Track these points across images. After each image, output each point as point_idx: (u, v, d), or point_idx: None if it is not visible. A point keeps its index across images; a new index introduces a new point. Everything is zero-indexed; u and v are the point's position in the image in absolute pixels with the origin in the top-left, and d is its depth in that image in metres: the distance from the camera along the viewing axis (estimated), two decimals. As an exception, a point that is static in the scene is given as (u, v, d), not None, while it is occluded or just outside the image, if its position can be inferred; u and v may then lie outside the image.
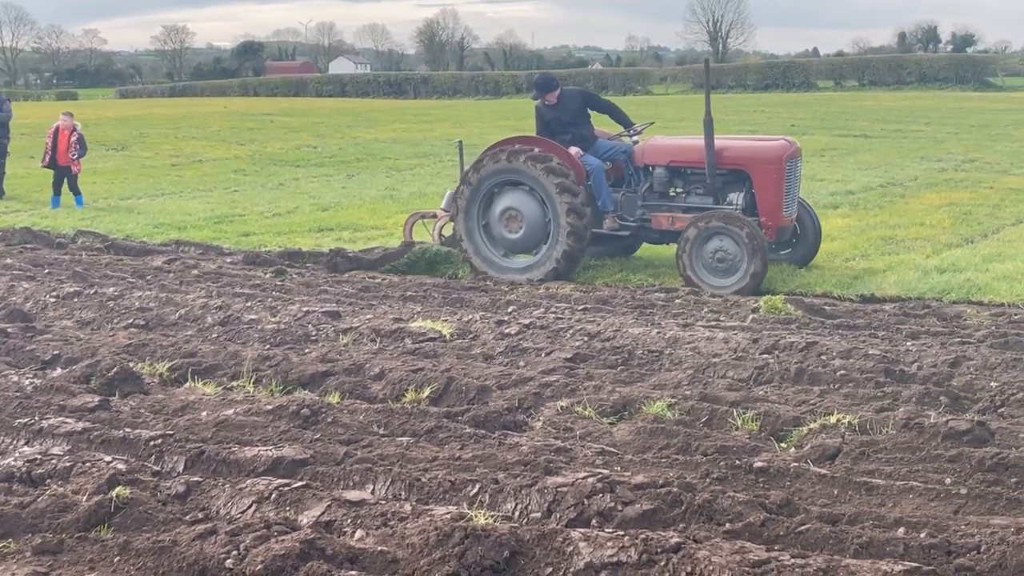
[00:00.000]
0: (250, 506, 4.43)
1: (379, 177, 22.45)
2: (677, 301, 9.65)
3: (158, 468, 4.97)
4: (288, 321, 8.29)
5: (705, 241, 10.63)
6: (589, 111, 11.94)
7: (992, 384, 6.34)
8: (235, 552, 3.84)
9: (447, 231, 12.45)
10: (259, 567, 3.72)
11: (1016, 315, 8.89)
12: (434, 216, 12.89)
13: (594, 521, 4.22)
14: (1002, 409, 5.86)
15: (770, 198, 11.02)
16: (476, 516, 4.15)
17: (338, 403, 6.03)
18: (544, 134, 11.67)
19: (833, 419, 5.52)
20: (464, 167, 12.42)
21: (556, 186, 10.95)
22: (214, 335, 8.04)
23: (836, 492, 4.59)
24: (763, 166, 11.08)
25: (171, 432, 5.36)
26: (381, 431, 5.59)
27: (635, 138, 11.83)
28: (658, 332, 7.84)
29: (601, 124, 12.32)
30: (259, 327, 8.11)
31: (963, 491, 4.46)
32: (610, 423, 5.76)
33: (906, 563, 3.63)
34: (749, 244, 10.38)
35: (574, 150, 11.32)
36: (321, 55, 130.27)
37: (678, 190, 11.62)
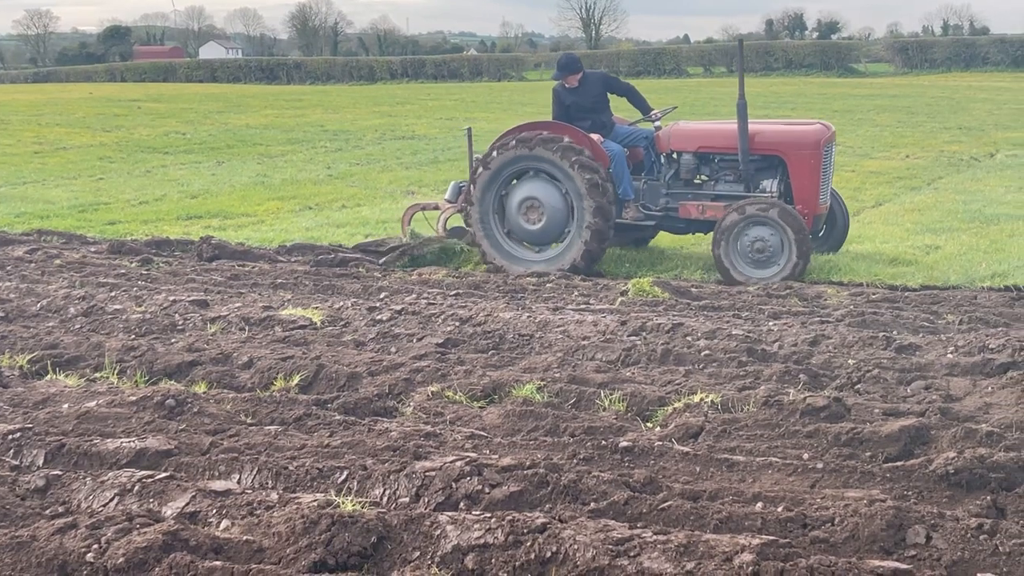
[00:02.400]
0: (112, 499, 4.35)
1: (250, 164, 22.13)
2: (548, 285, 9.74)
3: (16, 463, 4.84)
4: (154, 311, 8.14)
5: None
6: (608, 95, 11.45)
7: (849, 362, 6.55)
8: (96, 546, 3.77)
9: (452, 223, 12.04)
10: (120, 560, 3.66)
11: (873, 294, 9.19)
12: (436, 208, 12.38)
13: (462, 504, 4.25)
14: (858, 385, 6.05)
15: (808, 185, 10.57)
16: (343, 503, 4.14)
17: (204, 393, 5.94)
18: (562, 119, 11.16)
19: (697, 398, 5.63)
20: (473, 155, 11.91)
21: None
22: (77, 326, 7.84)
23: (698, 469, 4.69)
24: (800, 151, 10.63)
25: (30, 426, 5.22)
26: (248, 420, 5.53)
27: (657, 123, 11.35)
28: (529, 316, 7.90)
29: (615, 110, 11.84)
30: (124, 317, 7.93)
31: (819, 465, 4.60)
32: (480, 407, 5.79)
33: (763, 536, 3.73)
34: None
35: (595, 137, 10.89)
36: (191, 40, 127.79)
37: (705, 177, 11.15)
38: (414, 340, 7.27)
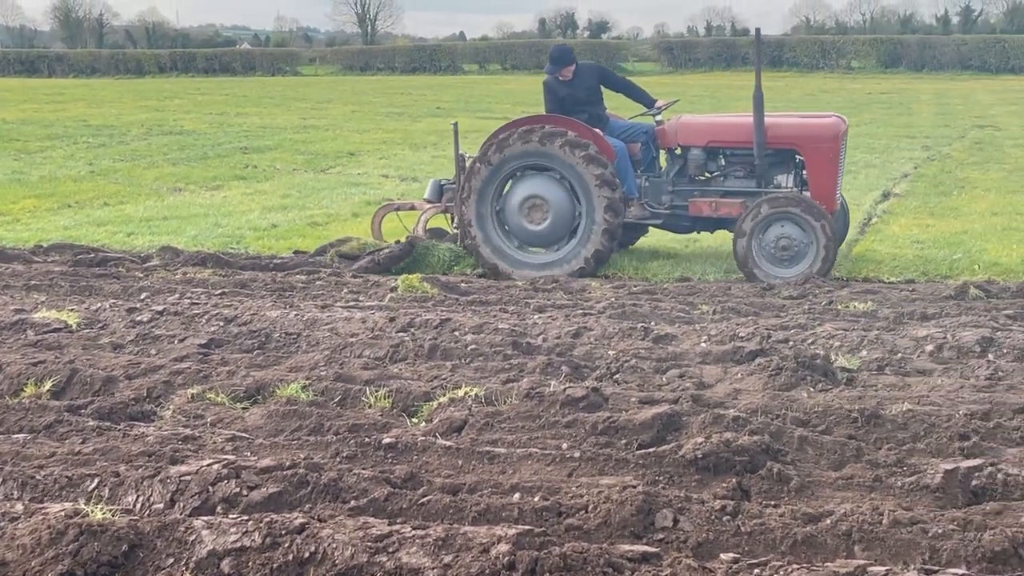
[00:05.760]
0: None
1: (6, 160, 21.02)
2: (318, 283, 9.64)
3: None
4: None
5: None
6: (603, 89, 10.95)
7: (609, 352, 6.74)
8: None
9: (434, 224, 11.45)
10: None
11: (635, 287, 9.49)
12: (411, 208, 11.71)
13: (219, 508, 4.16)
14: (617, 375, 6.23)
15: (825, 180, 10.08)
16: (93, 511, 3.99)
17: (-53, 402, 5.63)
18: (558, 112, 10.56)
19: (461, 392, 5.69)
20: (459, 152, 11.20)
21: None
22: None
23: (460, 463, 4.74)
24: (818, 145, 10.13)
25: None
26: (-5, 429, 5.27)
27: (658, 117, 10.82)
28: (296, 314, 7.81)
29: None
30: None
31: (577, 455, 4.72)
32: (243, 408, 5.69)
33: (519, 526, 3.81)
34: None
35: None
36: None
37: (714, 173, 10.64)
38: (175, 341, 7.08)
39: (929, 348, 6.82)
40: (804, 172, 10.35)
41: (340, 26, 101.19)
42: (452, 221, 11.40)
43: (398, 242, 10.99)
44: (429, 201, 11.40)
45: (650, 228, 11.24)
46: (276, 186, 17.35)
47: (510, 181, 10.51)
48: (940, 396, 5.70)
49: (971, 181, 16.82)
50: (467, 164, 10.86)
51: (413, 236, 11.08)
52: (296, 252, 11.49)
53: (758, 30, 11.37)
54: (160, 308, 8.03)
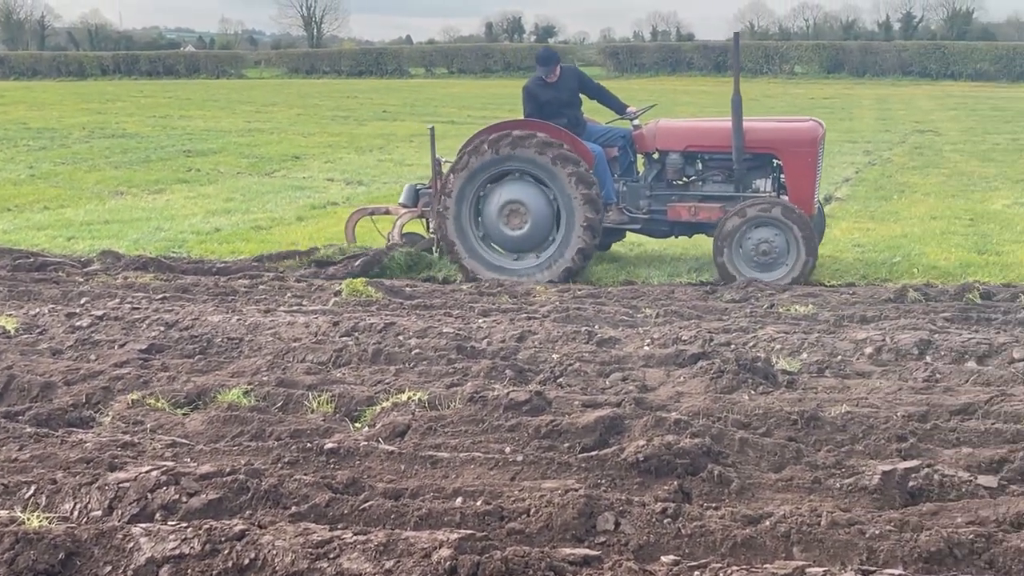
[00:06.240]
0: None
1: (-60, 164, 20.72)
2: (261, 287, 9.57)
3: None
4: None
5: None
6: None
7: (553, 356, 6.76)
8: None
9: (409, 228, 11.27)
10: None
11: (579, 291, 9.52)
12: (386, 212, 11.53)
13: (158, 515, 4.12)
14: (560, 379, 6.25)
15: (804, 184, 10.11)
16: (30, 519, 3.94)
17: None
18: (537, 116, 10.47)
19: (405, 397, 5.67)
20: (435, 156, 11.03)
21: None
22: None
23: (403, 468, 4.73)
24: (796, 149, 10.16)
25: None
26: (-72, 437, 5.17)
27: (635, 122, 10.85)
28: (239, 319, 7.76)
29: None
30: None
31: (520, 458, 4.72)
32: (183, 414, 5.63)
33: (461, 531, 3.80)
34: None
35: None
36: None
37: (692, 177, 10.62)
38: (116, 347, 7.00)
39: (868, 351, 6.91)
40: (782, 176, 10.40)
41: (286, 29, 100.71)
42: (428, 226, 11.35)
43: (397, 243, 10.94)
44: (404, 206, 11.33)
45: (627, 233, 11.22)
46: (220, 190, 17.21)
47: (489, 186, 10.43)
48: (879, 398, 5.77)
49: (911, 185, 17.05)
50: (443, 169, 10.82)
51: (390, 241, 11.02)
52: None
53: (737, 35, 11.58)
54: (100, 313, 7.94)
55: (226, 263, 10.89)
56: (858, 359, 6.79)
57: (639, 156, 10.97)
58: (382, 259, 10.64)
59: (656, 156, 10.69)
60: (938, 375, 6.35)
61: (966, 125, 28.88)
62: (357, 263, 10.48)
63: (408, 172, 19.09)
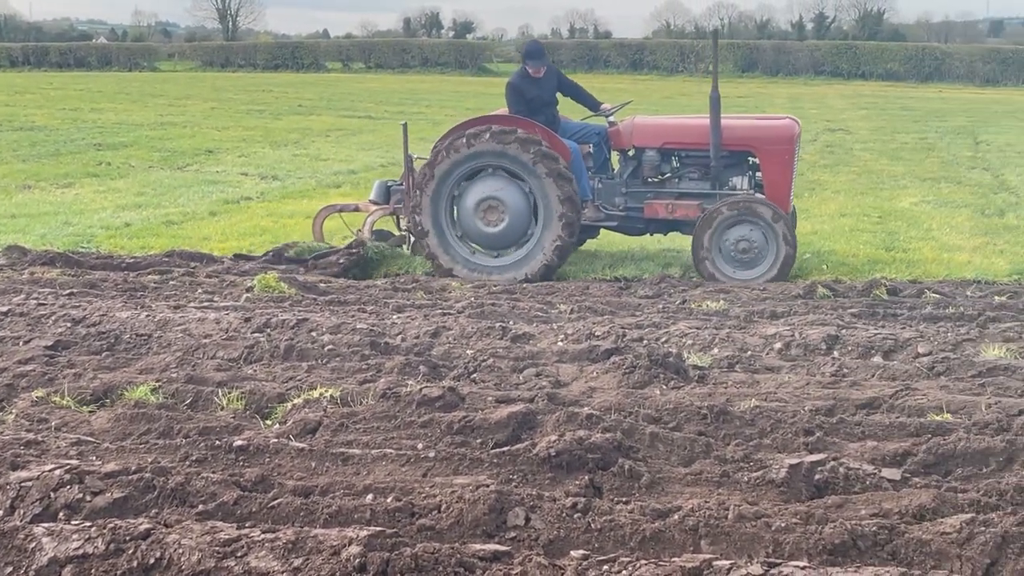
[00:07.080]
0: None
1: None
2: (171, 283, 9.42)
3: None
4: None
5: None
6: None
7: (468, 352, 6.75)
8: None
9: (380, 225, 11.03)
10: None
11: (494, 286, 9.52)
12: (355, 209, 11.25)
13: (61, 514, 4.04)
14: (474, 375, 6.25)
15: (780, 182, 10.12)
16: (-74, 521, 3.84)
17: None
18: (524, 113, 10.32)
19: (316, 393, 5.63)
20: (408, 152, 10.83)
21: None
22: None
23: (314, 465, 4.69)
24: (773, 147, 10.20)
25: None
26: None
27: (611, 118, 10.70)
28: (148, 315, 7.63)
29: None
30: None
31: (432, 455, 4.71)
32: (90, 411, 5.53)
33: (371, 528, 3.79)
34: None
35: None
36: None
37: (668, 175, 10.55)
38: (20, 343, 6.84)
39: (777, 346, 7.01)
40: (759, 174, 10.43)
41: (200, 21, 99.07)
42: (399, 223, 11.25)
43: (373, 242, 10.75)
44: (375, 203, 11.17)
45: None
46: (131, 184, 16.92)
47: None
48: (787, 393, 5.86)
49: (822, 183, 17.33)
50: (415, 166, 10.73)
51: (359, 238, 10.86)
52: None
53: (715, 32, 11.62)
54: (5, 309, 7.76)
55: (136, 258, 10.72)
56: (767, 354, 6.88)
57: (614, 153, 10.95)
58: (366, 256, 10.50)
59: (632, 153, 10.67)
60: (845, 370, 6.46)
61: (876, 124, 29.42)
62: (341, 261, 10.34)
63: (324, 167, 18.97)
